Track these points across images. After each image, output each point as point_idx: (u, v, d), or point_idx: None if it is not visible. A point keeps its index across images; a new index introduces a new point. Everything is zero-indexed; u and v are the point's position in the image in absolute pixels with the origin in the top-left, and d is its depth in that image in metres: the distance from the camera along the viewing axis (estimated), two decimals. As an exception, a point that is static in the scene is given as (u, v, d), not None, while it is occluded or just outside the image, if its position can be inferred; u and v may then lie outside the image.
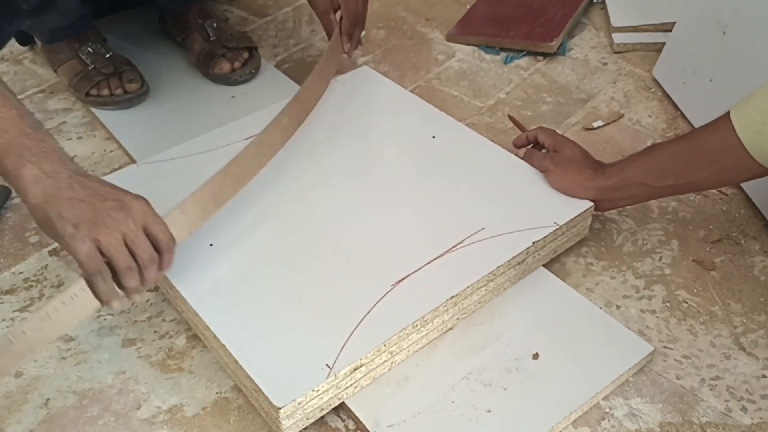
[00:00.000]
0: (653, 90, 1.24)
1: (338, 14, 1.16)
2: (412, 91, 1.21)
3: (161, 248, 0.75)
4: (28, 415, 0.80)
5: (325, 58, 1.10)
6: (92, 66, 1.18)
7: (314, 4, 1.17)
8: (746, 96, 0.80)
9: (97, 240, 0.69)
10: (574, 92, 1.25)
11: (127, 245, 0.71)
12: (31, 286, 0.95)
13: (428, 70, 1.32)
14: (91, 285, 0.71)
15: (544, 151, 0.99)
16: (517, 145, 1.03)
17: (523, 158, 0.99)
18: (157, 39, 1.35)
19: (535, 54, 1.32)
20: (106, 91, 1.19)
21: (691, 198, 1.04)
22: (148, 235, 0.73)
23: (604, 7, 1.41)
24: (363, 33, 1.39)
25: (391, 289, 0.82)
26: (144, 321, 0.90)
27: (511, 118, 1.12)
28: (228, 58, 1.23)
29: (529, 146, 1.01)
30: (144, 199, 0.75)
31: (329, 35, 1.17)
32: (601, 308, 0.88)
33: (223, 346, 0.77)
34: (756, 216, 1.00)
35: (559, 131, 1.16)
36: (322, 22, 1.18)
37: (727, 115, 0.81)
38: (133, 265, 0.72)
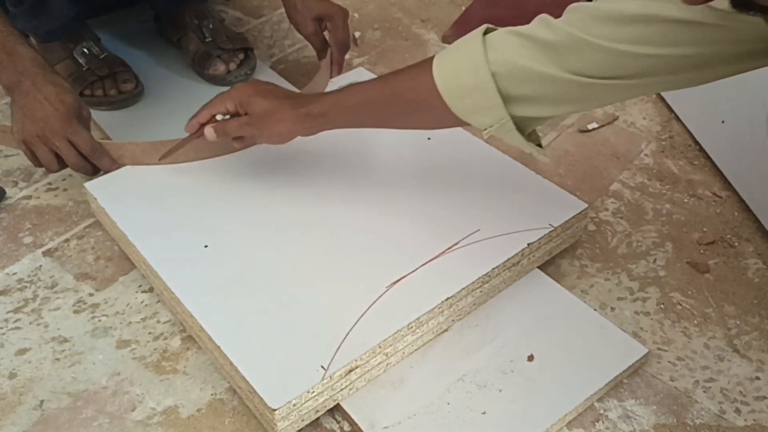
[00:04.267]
0: (648, 92, 1.24)
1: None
2: (407, 92, 1.21)
3: (85, 154, 0.97)
4: (22, 416, 0.80)
5: (314, 82, 1.11)
6: (86, 67, 1.18)
7: (300, 28, 1.18)
8: (449, 48, 0.79)
9: (32, 147, 0.97)
10: (569, 94, 1.25)
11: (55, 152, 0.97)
12: (25, 287, 0.94)
13: (423, 71, 1.32)
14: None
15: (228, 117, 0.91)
16: (190, 131, 0.94)
17: (218, 136, 0.91)
18: (152, 39, 1.35)
19: (530, 56, 1.32)
20: (100, 92, 1.18)
21: (685, 200, 1.04)
22: (72, 144, 0.97)
23: (598, 10, 1.41)
24: (358, 34, 1.40)
25: (387, 290, 0.82)
26: (138, 322, 0.90)
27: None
28: (223, 59, 1.23)
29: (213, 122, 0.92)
30: (75, 113, 0.96)
31: (320, 53, 1.19)
32: (595, 310, 0.88)
33: (218, 347, 0.77)
34: (750, 218, 1.01)
35: (554, 133, 1.16)
36: (311, 42, 1.18)
37: (429, 67, 0.78)
38: (58, 168, 0.99)
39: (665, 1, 0.61)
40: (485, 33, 0.77)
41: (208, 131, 0.91)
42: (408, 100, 0.81)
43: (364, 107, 0.85)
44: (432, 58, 0.79)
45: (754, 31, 0.61)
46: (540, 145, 0.81)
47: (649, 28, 0.66)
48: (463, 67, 0.76)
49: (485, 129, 0.78)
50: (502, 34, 0.76)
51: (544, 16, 0.73)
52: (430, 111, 0.80)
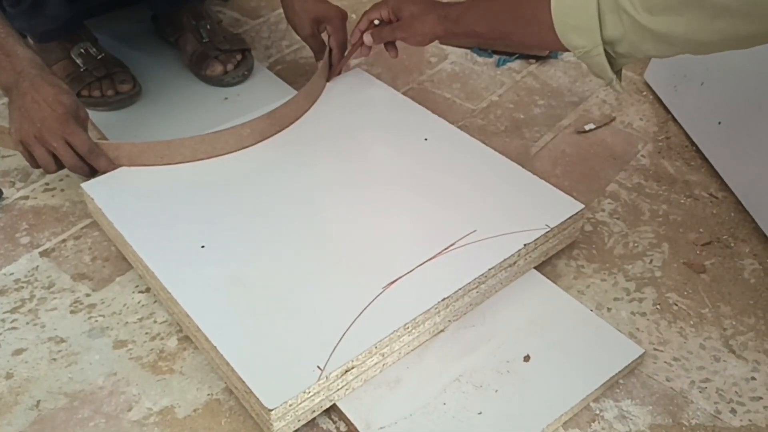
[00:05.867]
0: (644, 93, 1.25)
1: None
2: (404, 93, 1.21)
3: (82, 155, 0.97)
4: (18, 416, 0.80)
5: (311, 83, 1.11)
6: (84, 67, 1.18)
7: (298, 30, 1.18)
8: None
9: (29, 147, 0.96)
10: (566, 95, 1.25)
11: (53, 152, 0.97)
12: (22, 287, 0.94)
13: (421, 72, 1.32)
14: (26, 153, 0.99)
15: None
16: (355, 39, 1.09)
17: (374, 41, 1.06)
18: (150, 39, 1.35)
19: (528, 57, 1.33)
20: (97, 92, 1.18)
21: (682, 201, 1.04)
22: (70, 145, 0.96)
23: (596, 11, 1.41)
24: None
25: (383, 291, 0.83)
26: (135, 322, 0.90)
27: None
28: (221, 59, 1.23)
29: (368, 30, 1.07)
30: (72, 114, 0.96)
31: (318, 55, 1.19)
32: (592, 311, 0.88)
33: (215, 347, 0.77)
34: (746, 219, 1.01)
35: (550, 134, 1.16)
36: (309, 44, 1.19)
37: None
38: (55, 169, 0.99)
39: None
40: None
41: (366, 38, 1.07)
42: (523, 13, 0.89)
43: (489, 15, 0.94)
44: None
45: None
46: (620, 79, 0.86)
47: None
48: None
49: (577, 50, 0.83)
50: None
51: None
52: (536, 26, 0.86)
